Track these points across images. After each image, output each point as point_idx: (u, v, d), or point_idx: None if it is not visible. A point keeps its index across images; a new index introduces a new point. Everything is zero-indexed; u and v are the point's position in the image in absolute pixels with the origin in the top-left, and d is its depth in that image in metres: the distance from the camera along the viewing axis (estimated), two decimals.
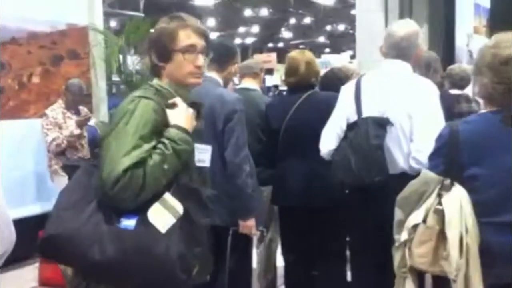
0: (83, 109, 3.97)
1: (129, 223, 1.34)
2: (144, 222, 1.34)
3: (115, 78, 5.62)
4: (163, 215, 1.36)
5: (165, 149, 1.38)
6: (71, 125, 3.70)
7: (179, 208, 1.38)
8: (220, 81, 2.39)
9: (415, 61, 2.26)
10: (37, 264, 3.59)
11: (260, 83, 3.30)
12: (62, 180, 3.73)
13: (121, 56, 5.30)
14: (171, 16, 1.55)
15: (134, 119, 1.38)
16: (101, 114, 4.79)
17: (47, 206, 4.03)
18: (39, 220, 3.69)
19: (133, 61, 5.45)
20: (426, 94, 2.13)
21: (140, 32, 5.24)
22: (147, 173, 1.34)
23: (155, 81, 1.53)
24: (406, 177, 1.97)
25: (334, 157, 2.21)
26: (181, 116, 1.45)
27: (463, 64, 4.59)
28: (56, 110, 3.78)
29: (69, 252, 1.36)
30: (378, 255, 2.05)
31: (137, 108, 1.39)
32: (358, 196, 2.20)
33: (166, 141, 1.39)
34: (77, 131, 3.69)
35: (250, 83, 3.15)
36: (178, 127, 1.43)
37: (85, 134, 3.82)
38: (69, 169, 1.50)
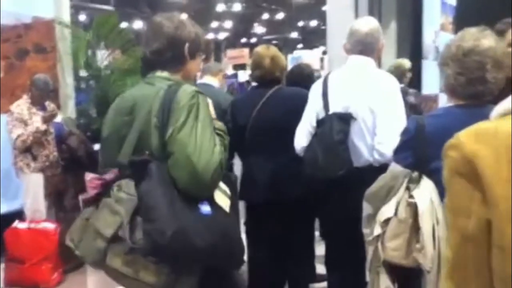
0: (50, 105, 3.89)
1: (206, 208, 1.42)
2: (214, 206, 1.43)
3: (83, 73, 5.52)
4: (221, 197, 1.47)
5: (223, 140, 1.53)
6: (36, 121, 3.62)
7: (226, 189, 1.50)
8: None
9: (377, 56, 2.35)
10: (2, 265, 3.51)
11: (220, 80, 3.54)
12: (28, 178, 3.66)
13: (89, 51, 5.20)
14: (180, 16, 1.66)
15: (203, 112, 1.46)
16: (68, 110, 4.69)
17: (13, 204, 3.95)
18: (5, 220, 3.64)
19: (101, 56, 5.36)
20: (387, 88, 2.21)
21: (110, 26, 5.16)
22: (222, 162, 1.46)
23: (169, 75, 1.58)
24: (372, 169, 2.08)
25: (304, 153, 2.30)
26: (212, 110, 1.56)
27: (399, 60, 4.80)
28: (21, 106, 3.68)
29: (182, 245, 1.35)
30: (350, 245, 2.12)
31: (200, 102, 1.47)
32: (328, 189, 2.28)
33: (221, 133, 1.54)
34: (43, 127, 3.61)
35: (209, 80, 3.37)
36: (217, 120, 1.59)
37: (52, 130, 3.74)
38: (138, 165, 1.47)
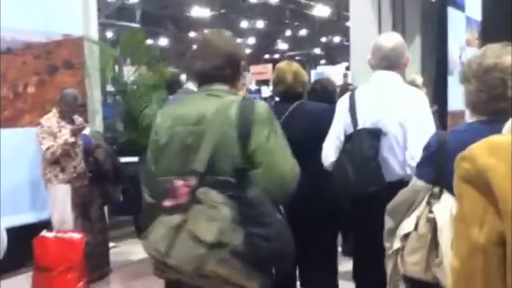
0: (78, 119, 4.00)
1: (278, 215, 1.52)
2: (280, 212, 1.55)
3: (110, 88, 5.65)
4: None
5: None
6: (65, 134, 3.73)
7: None
8: (196, 90, 2.47)
9: (403, 70, 2.35)
10: (30, 273, 3.59)
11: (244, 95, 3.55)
12: (56, 189, 3.75)
13: (116, 66, 5.34)
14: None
15: (278, 126, 1.61)
16: (96, 123, 4.81)
17: (41, 215, 4.05)
18: (33, 229, 3.73)
19: (128, 71, 5.49)
20: (416, 102, 2.20)
21: (136, 43, 5.29)
22: None
23: (229, 89, 1.66)
24: (403, 183, 2.03)
25: (333, 169, 2.28)
26: None
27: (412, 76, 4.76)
28: (51, 119, 3.80)
29: (287, 249, 1.48)
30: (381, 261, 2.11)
31: (274, 116, 1.61)
32: (360, 205, 2.26)
33: None
34: (71, 140, 3.71)
35: None
36: None
37: (80, 142, 3.84)
38: (241, 173, 1.56)
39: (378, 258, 2.10)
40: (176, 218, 1.47)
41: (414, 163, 2.04)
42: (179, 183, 1.49)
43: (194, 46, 1.72)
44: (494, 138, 0.74)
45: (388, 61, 2.28)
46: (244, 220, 1.41)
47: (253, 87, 13.67)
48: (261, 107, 1.57)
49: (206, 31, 1.75)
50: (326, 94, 3.36)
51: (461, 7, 6.23)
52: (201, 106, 1.61)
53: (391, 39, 2.33)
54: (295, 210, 2.55)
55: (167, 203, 1.50)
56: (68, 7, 4.46)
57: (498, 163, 0.70)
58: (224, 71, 1.65)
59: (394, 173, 2.16)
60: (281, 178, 1.52)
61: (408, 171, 2.11)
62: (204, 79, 1.68)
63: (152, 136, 1.67)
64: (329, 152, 2.32)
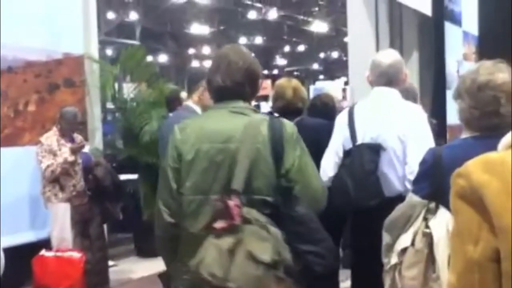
0: (78, 137, 4.01)
1: None
2: None
3: (110, 105, 5.67)
4: None
5: None
6: (65, 152, 3.73)
7: None
8: (196, 108, 2.52)
9: (401, 86, 2.37)
10: None
11: None
12: (55, 207, 3.74)
13: (116, 84, 5.37)
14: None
15: (303, 143, 1.63)
16: (95, 140, 4.82)
17: (40, 233, 4.03)
18: (32, 248, 3.71)
19: (128, 89, 5.52)
20: (415, 118, 2.23)
21: (136, 60, 5.33)
22: None
23: (252, 107, 1.69)
24: (401, 199, 2.04)
25: (332, 183, 2.28)
26: None
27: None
28: (51, 137, 3.81)
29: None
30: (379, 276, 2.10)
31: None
32: (359, 219, 2.27)
33: None
34: (71, 158, 3.72)
35: None
36: None
37: (80, 161, 3.84)
38: (286, 190, 1.60)
39: (376, 272, 2.10)
40: (228, 240, 1.41)
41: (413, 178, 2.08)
42: (232, 203, 1.44)
43: (214, 61, 1.70)
44: (489, 155, 0.75)
45: (387, 78, 2.31)
46: (293, 238, 1.44)
47: (252, 102, 13.69)
48: (290, 127, 1.61)
49: (226, 47, 1.73)
50: (327, 110, 3.37)
51: (458, 22, 6.28)
52: (228, 123, 1.59)
53: (389, 56, 2.36)
54: None
55: (220, 224, 1.43)
56: (68, 26, 4.51)
57: (492, 180, 0.71)
58: (244, 87, 1.64)
59: (394, 188, 2.18)
60: (314, 195, 1.57)
61: (408, 186, 2.12)
62: (223, 95, 1.66)
63: (171, 152, 1.61)
64: (328, 168, 2.34)
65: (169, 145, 1.64)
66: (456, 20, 6.22)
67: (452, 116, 5.70)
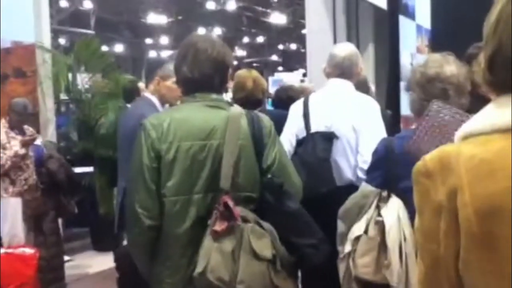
0: (28, 129, 3.86)
1: None
2: None
3: (64, 96, 5.50)
4: None
5: None
6: (15, 145, 3.59)
7: None
8: (153, 98, 2.48)
9: (356, 79, 2.41)
10: None
11: None
12: (6, 202, 3.59)
13: (70, 75, 5.20)
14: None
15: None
16: (48, 133, 4.66)
17: None
18: None
19: (82, 79, 5.36)
20: (368, 109, 2.29)
21: (91, 50, 5.18)
22: None
23: (226, 99, 1.67)
24: (353, 188, 2.09)
25: None
26: None
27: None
28: (0, 130, 3.65)
29: None
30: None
31: None
32: (308, 208, 2.28)
33: None
34: (21, 151, 3.58)
35: None
36: None
37: (31, 154, 3.71)
38: (276, 186, 1.57)
39: (328, 259, 2.15)
40: (230, 242, 1.39)
41: (366, 166, 2.13)
42: (231, 203, 1.41)
43: (181, 50, 1.61)
44: (445, 149, 0.75)
45: (341, 70, 2.36)
46: (287, 232, 1.45)
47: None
48: (267, 121, 1.60)
49: (194, 35, 1.68)
50: (292, 102, 3.40)
51: (411, 16, 6.45)
52: (207, 118, 1.53)
53: (345, 49, 2.42)
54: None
55: (221, 226, 1.39)
56: (18, 13, 4.31)
57: (449, 175, 0.71)
58: (213, 79, 1.58)
59: (345, 176, 2.23)
60: (295, 190, 1.58)
61: (360, 174, 2.18)
62: (192, 87, 1.59)
63: (146, 152, 1.49)
64: None
65: (141, 143, 1.51)
66: (409, 13, 6.38)
67: (406, 107, 5.89)
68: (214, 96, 1.58)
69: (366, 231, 1.60)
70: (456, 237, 0.70)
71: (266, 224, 1.45)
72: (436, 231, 0.72)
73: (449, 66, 1.58)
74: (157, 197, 1.49)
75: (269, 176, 1.51)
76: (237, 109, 1.58)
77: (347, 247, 1.63)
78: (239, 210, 1.42)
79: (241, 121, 1.52)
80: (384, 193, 1.60)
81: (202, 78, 1.56)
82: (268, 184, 1.49)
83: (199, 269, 1.38)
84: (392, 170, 1.58)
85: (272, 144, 1.55)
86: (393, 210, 1.55)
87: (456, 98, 1.56)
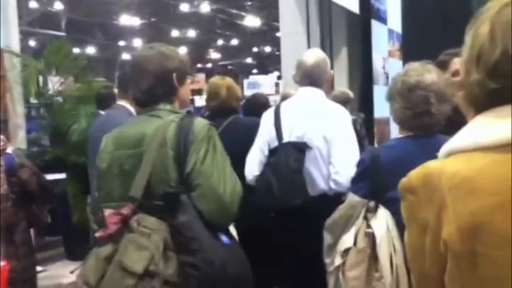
0: None
1: (226, 238, 1.44)
2: (229, 235, 1.46)
3: (34, 100, 5.36)
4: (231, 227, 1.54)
5: None
6: None
7: None
8: (130, 108, 2.45)
9: (326, 87, 2.42)
10: None
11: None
12: None
13: (41, 78, 5.08)
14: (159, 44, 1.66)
15: (219, 144, 1.51)
16: (18, 140, 4.53)
17: None
18: None
19: (53, 83, 5.24)
20: (339, 118, 2.28)
21: (62, 54, 5.07)
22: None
23: (172, 107, 1.59)
24: (326, 198, 2.09)
25: (257, 182, 2.29)
26: None
27: (342, 89, 5.01)
28: None
29: (224, 276, 1.37)
30: (307, 275, 2.12)
31: (215, 134, 1.52)
32: (281, 219, 2.26)
33: None
34: None
35: None
36: None
37: (2, 163, 3.60)
38: (172, 197, 1.46)
39: (301, 268, 2.14)
40: (106, 249, 1.41)
41: (339, 178, 2.13)
42: (109, 212, 1.43)
43: (129, 68, 1.65)
44: (429, 166, 0.75)
45: (310, 78, 2.33)
46: (176, 248, 1.37)
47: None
48: (200, 125, 1.49)
49: (138, 50, 1.68)
50: (260, 108, 3.41)
51: (383, 20, 6.56)
52: (141, 128, 1.53)
53: (313, 56, 2.37)
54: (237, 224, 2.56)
55: (99, 233, 1.44)
56: None
57: (433, 193, 0.71)
58: (155, 93, 1.57)
59: (318, 187, 2.21)
60: (218, 201, 1.42)
61: (333, 185, 2.16)
62: (140, 104, 1.63)
63: (96, 161, 1.62)
64: (252, 166, 2.33)
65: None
66: (381, 18, 6.49)
67: (379, 110, 5.99)
68: (161, 106, 1.58)
69: (355, 243, 1.58)
70: (439, 256, 0.70)
71: (156, 238, 1.38)
72: (423, 248, 0.73)
73: (429, 74, 1.60)
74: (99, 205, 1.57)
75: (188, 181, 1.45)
76: (172, 116, 1.53)
77: (337, 260, 1.61)
78: (116, 219, 1.41)
79: (168, 128, 1.48)
80: (372, 203, 1.60)
81: (144, 95, 1.59)
82: (165, 194, 1.43)
83: (79, 271, 1.48)
84: (378, 180, 1.57)
85: (195, 151, 1.44)
86: (382, 221, 1.54)
87: (438, 105, 1.58)
